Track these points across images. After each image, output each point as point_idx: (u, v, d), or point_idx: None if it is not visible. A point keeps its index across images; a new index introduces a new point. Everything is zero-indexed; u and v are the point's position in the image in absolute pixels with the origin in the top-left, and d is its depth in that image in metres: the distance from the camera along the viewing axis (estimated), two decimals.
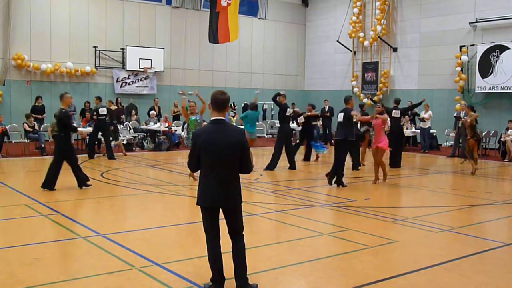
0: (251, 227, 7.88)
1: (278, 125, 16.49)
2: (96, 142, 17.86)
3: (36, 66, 21.77)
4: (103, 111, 16.82)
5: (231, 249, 5.19)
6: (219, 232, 5.19)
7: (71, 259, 6.31)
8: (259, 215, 8.88)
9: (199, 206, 5.15)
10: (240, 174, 5.22)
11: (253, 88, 27.99)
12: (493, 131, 19.97)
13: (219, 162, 5.00)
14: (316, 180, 12.98)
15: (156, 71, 24.81)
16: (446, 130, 21.74)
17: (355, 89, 26.93)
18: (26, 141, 17.65)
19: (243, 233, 5.26)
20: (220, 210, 5.15)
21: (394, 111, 16.04)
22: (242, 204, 5.24)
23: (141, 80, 24.62)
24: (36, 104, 19.60)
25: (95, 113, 16.93)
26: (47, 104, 20.95)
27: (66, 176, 13.69)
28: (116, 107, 17.99)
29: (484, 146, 20.20)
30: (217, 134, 4.99)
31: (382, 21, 25.25)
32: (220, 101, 5.08)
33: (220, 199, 5.04)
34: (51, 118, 18.60)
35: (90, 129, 18.31)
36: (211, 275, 5.19)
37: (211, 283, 5.21)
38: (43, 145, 17.33)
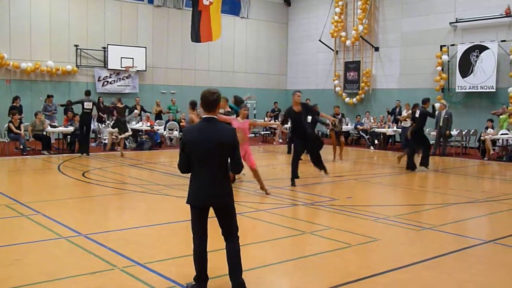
0: None
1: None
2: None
3: (16, 65, 21.51)
4: (88, 105, 16.91)
5: (225, 250, 5.11)
6: (206, 232, 5.16)
7: (52, 259, 6.25)
8: (242, 214, 8.86)
9: (186, 205, 5.11)
10: None
11: (237, 88, 28.05)
12: (473, 130, 20.16)
13: (207, 160, 4.96)
14: (299, 179, 13.00)
15: (138, 70, 24.68)
16: (427, 129, 21.90)
17: (337, 88, 27.06)
18: (6, 140, 17.44)
19: (238, 234, 5.18)
20: (211, 210, 5.10)
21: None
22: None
23: (123, 79, 24.47)
24: (14, 104, 19.35)
25: (82, 106, 17.28)
26: (28, 103, 20.75)
27: (47, 175, 13.60)
28: (123, 104, 18.10)
29: (464, 145, 20.43)
30: (206, 132, 4.96)
31: (364, 20, 25.39)
32: (210, 101, 5.04)
33: (212, 198, 5.01)
34: (32, 118, 18.47)
35: (71, 128, 18.23)
36: (195, 274, 5.17)
37: (193, 283, 5.20)
38: (22, 146, 17.14)
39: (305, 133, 12.04)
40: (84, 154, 17.04)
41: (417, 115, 14.89)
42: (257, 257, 6.38)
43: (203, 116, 5.10)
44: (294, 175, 11.96)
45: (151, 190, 11.25)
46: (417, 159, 15.00)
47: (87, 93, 17.76)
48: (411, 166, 14.76)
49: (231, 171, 5.17)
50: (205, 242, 5.15)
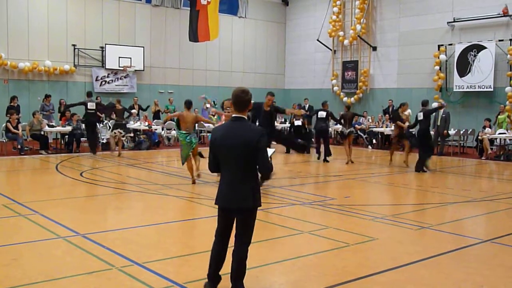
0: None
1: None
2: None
3: (14, 65, 21.48)
4: (92, 105, 16.96)
5: (232, 251, 5.04)
6: (227, 235, 5.03)
7: (50, 259, 6.24)
8: None
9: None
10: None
11: (234, 88, 28.03)
12: (470, 130, 20.22)
13: (230, 160, 4.85)
14: (296, 178, 13.01)
15: (136, 70, 24.65)
16: None
17: (335, 88, 27.07)
18: (4, 140, 17.41)
19: (249, 242, 5.02)
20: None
21: (319, 112, 16.63)
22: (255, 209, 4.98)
23: (120, 78, 24.44)
24: (12, 104, 19.33)
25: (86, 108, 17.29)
26: (25, 103, 20.72)
27: (45, 175, 13.59)
28: (121, 107, 17.97)
29: (462, 144, 20.47)
30: (232, 132, 4.84)
31: (362, 20, 25.41)
32: (244, 101, 4.94)
33: (229, 200, 4.88)
34: (29, 117, 18.44)
35: (69, 127, 18.20)
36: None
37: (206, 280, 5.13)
38: (20, 146, 17.11)
39: (272, 131, 11.85)
40: (91, 153, 17.26)
41: (420, 118, 14.54)
42: (255, 257, 6.37)
43: (233, 115, 4.99)
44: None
45: (149, 190, 11.24)
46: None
47: (89, 94, 17.88)
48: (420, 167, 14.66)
49: (260, 172, 5.00)
50: (222, 246, 5.04)
